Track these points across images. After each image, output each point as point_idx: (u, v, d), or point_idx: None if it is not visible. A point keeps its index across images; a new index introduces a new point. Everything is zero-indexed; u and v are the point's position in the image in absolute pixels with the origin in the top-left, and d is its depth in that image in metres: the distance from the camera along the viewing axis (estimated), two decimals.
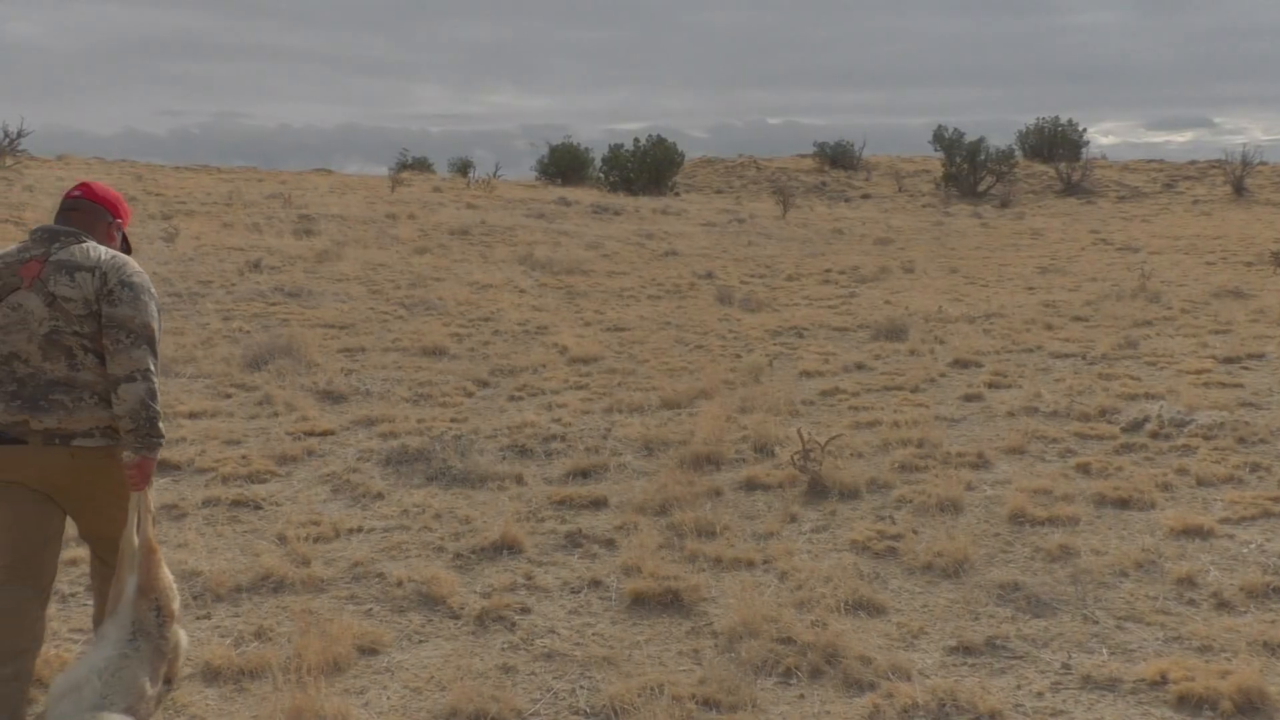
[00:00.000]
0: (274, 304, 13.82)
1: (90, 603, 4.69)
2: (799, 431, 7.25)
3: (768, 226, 26.59)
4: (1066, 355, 10.94)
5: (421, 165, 43.51)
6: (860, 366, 10.77)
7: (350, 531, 6.31)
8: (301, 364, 10.53)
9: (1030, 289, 16.00)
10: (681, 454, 7.61)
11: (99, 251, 4.00)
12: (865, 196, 40.90)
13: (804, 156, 49.86)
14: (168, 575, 4.01)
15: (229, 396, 9.51)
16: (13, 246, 4.05)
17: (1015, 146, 45.31)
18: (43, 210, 19.09)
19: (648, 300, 15.36)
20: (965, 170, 40.90)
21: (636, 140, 39.31)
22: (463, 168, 43.84)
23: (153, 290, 3.99)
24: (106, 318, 3.89)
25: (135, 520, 3.93)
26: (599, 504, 6.73)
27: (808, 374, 10.44)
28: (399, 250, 18.97)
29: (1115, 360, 10.63)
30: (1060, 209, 34.43)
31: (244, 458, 7.70)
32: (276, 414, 8.92)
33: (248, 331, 12.16)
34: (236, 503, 6.78)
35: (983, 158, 40.99)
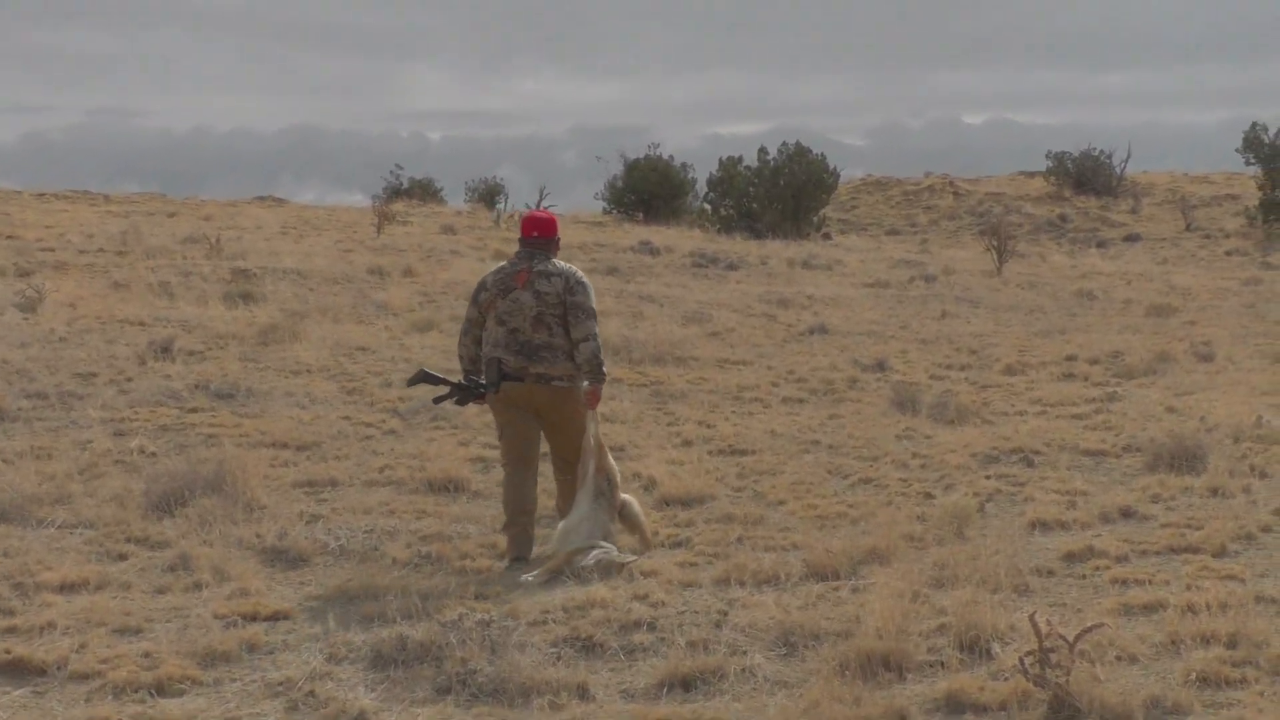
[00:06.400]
0: (194, 410, 14.08)
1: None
2: (1031, 619, 7.18)
3: (973, 287, 26.57)
4: None
5: (424, 191, 44.26)
6: (1129, 514, 10.66)
7: None
8: (237, 505, 10.67)
9: None
10: (842, 653, 7.55)
11: (560, 265, 10.07)
12: (1131, 238, 40.78)
13: (1029, 175, 49.95)
14: (612, 460, 10.04)
15: (124, 558, 9.67)
16: (504, 263, 10.33)
17: None
18: None
19: (782, 405, 15.38)
20: None
21: (762, 151, 39.63)
22: (487, 195, 44.49)
23: (589, 284, 10.07)
24: (569, 305, 9.86)
25: (592, 427, 9.87)
26: None
27: (1043, 526, 10.35)
28: (389, 325, 19.24)
29: None
30: None
31: (147, 656, 7.80)
32: (199, 585, 9.04)
33: (152, 454, 12.38)
34: None
35: None
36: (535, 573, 9.30)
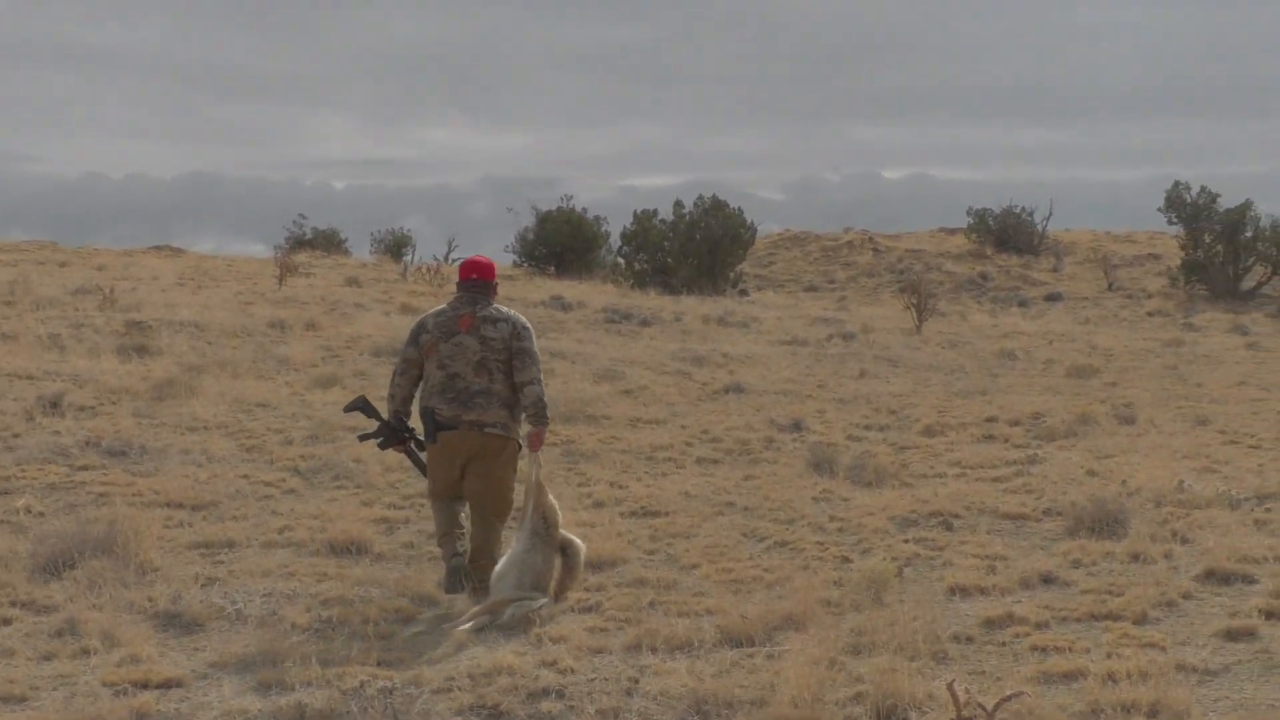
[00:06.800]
0: (84, 468, 13.97)
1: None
2: (950, 687, 7.24)
3: (892, 345, 26.75)
4: None
5: (327, 241, 44.17)
6: (1049, 580, 10.76)
7: None
8: (129, 568, 10.60)
9: None
10: None
11: (503, 309, 10.56)
12: (1053, 297, 41.18)
13: (950, 231, 50.39)
14: (552, 500, 10.38)
15: (8, 623, 9.57)
16: (443, 306, 10.72)
17: None
18: None
19: (696, 466, 15.42)
20: (1219, 255, 41.14)
21: (678, 204, 39.79)
22: (394, 246, 44.47)
23: (532, 328, 10.62)
24: (515, 350, 10.37)
25: (534, 468, 10.36)
26: None
27: (962, 591, 10.44)
28: (290, 381, 19.15)
29: None
30: None
31: None
32: (87, 651, 8.96)
33: (40, 514, 12.27)
34: None
35: (1249, 235, 41.26)
36: (463, 622, 9.60)
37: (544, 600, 9.91)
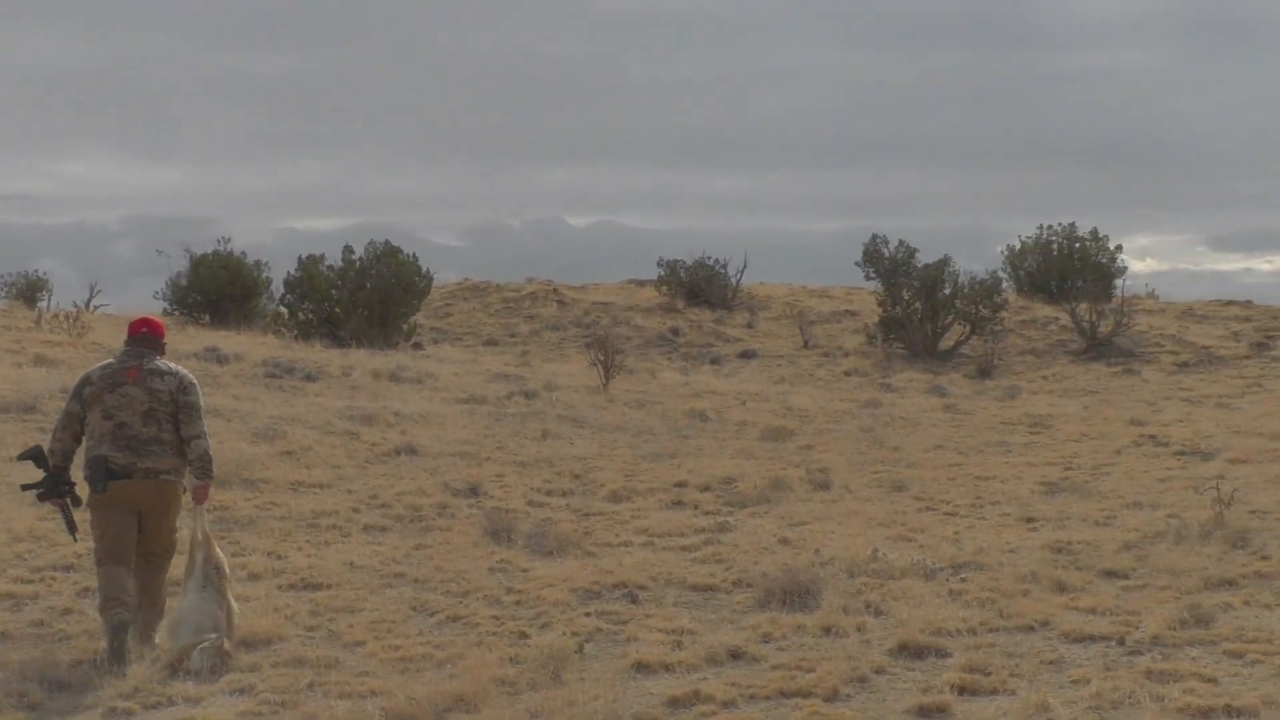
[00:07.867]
0: None
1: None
2: None
3: (577, 405, 26.91)
4: (1092, 638, 11.32)
5: None
6: (738, 655, 10.94)
7: None
8: None
9: (1030, 521, 16.53)
10: None
11: (170, 365, 11.65)
12: (747, 354, 41.84)
13: (639, 283, 50.90)
14: (219, 551, 11.38)
15: None
16: (110, 360, 11.76)
17: (1002, 273, 47.09)
18: None
19: (363, 534, 15.35)
20: (918, 313, 42.22)
21: (347, 249, 39.53)
22: (27, 290, 43.50)
23: (198, 384, 11.64)
24: (181, 404, 11.39)
25: (200, 521, 11.33)
26: None
27: (645, 669, 10.55)
28: None
29: (1175, 649, 11.03)
30: (1080, 381, 35.71)
31: None
32: None
33: None
34: None
35: (948, 292, 42.40)
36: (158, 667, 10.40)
37: (218, 634, 10.71)
